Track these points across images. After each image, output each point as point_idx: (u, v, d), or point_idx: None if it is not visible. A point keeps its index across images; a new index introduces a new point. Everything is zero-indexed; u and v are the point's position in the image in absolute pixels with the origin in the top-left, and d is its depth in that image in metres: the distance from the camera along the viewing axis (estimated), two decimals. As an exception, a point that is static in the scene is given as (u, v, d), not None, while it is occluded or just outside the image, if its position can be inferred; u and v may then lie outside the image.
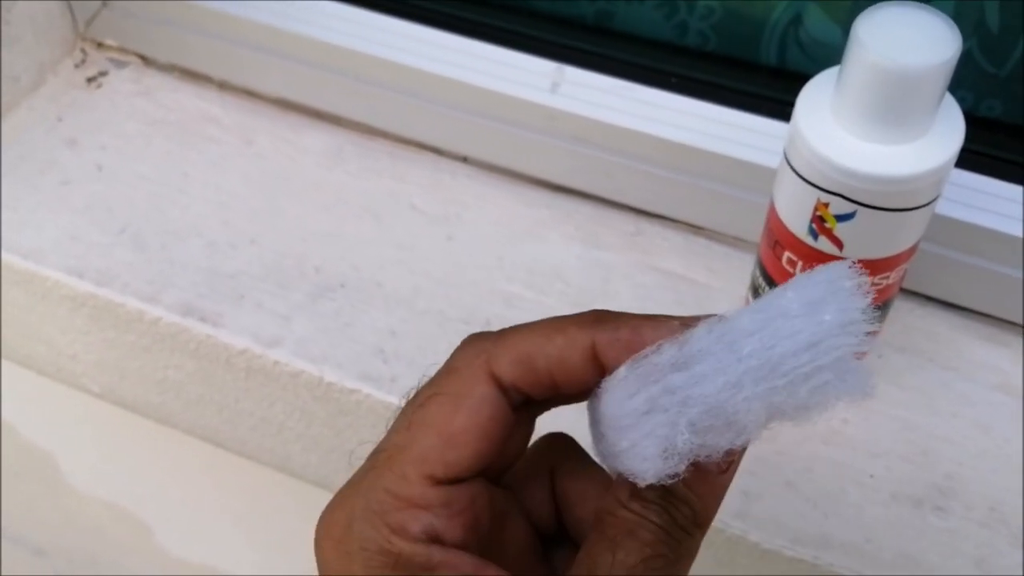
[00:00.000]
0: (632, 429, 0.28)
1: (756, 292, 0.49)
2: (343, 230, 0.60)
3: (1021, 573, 0.47)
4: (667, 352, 0.29)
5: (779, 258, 0.46)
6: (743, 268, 0.58)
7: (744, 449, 0.29)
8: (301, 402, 0.57)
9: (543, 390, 0.30)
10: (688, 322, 0.29)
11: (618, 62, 0.60)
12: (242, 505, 0.78)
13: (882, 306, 0.47)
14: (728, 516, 0.48)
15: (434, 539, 0.29)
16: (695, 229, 0.59)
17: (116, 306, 0.58)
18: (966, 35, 0.52)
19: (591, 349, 0.29)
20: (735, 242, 0.59)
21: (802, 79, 0.58)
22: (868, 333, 0.28)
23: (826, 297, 0.28)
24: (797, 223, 0.44)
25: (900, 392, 0.52)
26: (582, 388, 0.30)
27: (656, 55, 0.60)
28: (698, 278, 0.58)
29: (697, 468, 0.28)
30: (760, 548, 0.47)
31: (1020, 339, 0.54)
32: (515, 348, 0.30)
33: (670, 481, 0.28)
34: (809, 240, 0.44)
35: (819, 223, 0.43)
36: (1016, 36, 0.51)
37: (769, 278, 0.47)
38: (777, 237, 0.45)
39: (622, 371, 0.29)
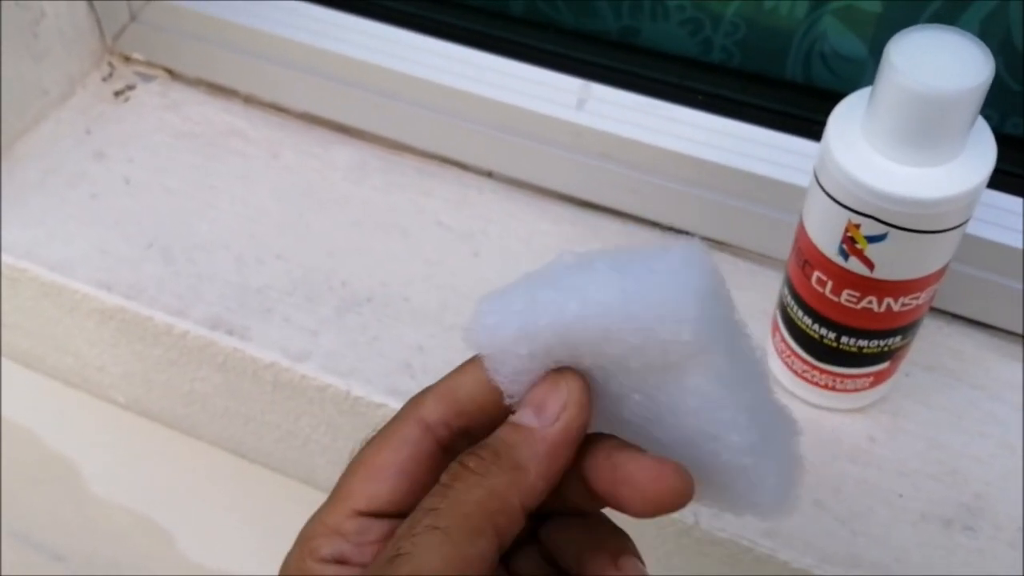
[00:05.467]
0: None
1: (784, 311, 0.50)
2: (370, 245, 0.60)
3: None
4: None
5: (808, 277, 0.46)
6: (767, 284, 0.58)
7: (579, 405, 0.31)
8: (327, 416, 0.57)
9: (471, 420, 0.32)
10: None
11: (644, 79, 0.60)
12: (264, 515, 0.78)
13: (912, 326, 0.47)
14: (757, 535, 0.48)
15: (341, 562, 0.31)
16: (720, 245, 0.59)
17: (144, 319, 0.58)
18: (991, 54, 0.52)
19: None
20: (760, 259, 0.59)
21: (827, 96, 0.58)
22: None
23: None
24: (827, 243, 0.44)
25: (928, 411, 0.52)
26: (504, 413, 0.32)
27: (682, 72, 0.60)
28: (723, 294, 0.58)
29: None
30: (790, 567, 0.47)
31: (1047, 358, 0.54)
32: (439, 387, 0.33)
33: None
34: (839, 260, 0.44)
35: (850, 244, 0.43)
36: (1045, 55, 0.51)
37: (798, 296, 0.48)
38: (807, 257, 0.46)
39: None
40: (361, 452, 0.33)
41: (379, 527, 0.31)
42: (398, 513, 0.31)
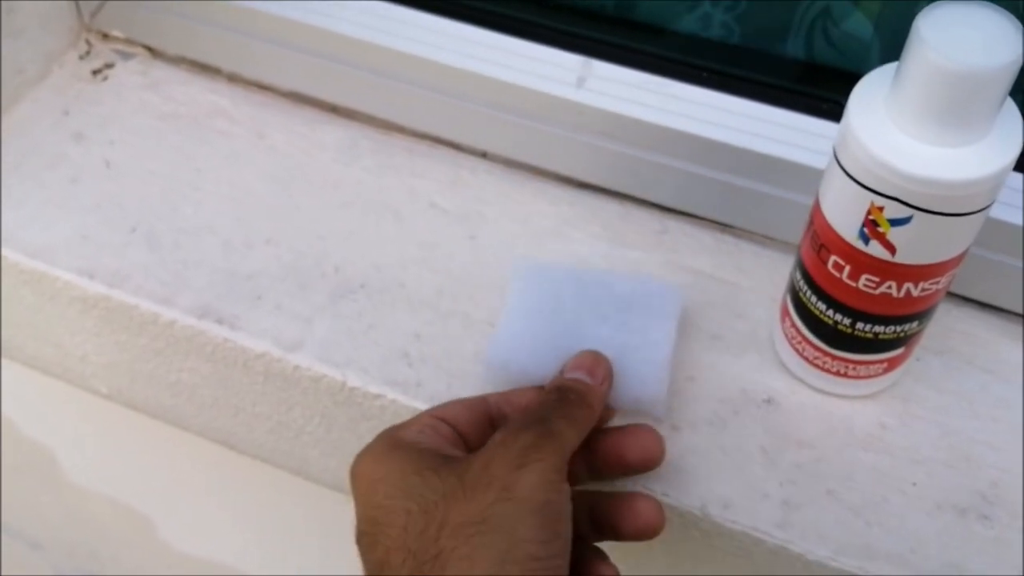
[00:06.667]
0: None
1: (795, 296, 0.48)
2: (362, 228, 0.58)
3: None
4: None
5: (824, 262, 0.44)
6: (773, 267, 0.56)
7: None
8: (322, 407, 0.55)
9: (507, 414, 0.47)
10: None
11: (646, 55, 0.58)
12: (253, 505, 0.76)
13: (929, 311, 0.46)
14: (769, 526, 0.47)
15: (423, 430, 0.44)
16: (723, 227, 0.58)
17: (129, 308, 0.56)
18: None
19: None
20: (764, 240, 0.57)
21: (832, 73, 0.56)
22: None
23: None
24: (847, 227, 0.42)
25: (939, 396, 0.51)
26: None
27: (684, 48, 0.58)
28: (727, 277, 0.56)
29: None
30: (803, 559, 0.46)
31: (1060, 341, 0.53)
32: (505, 393, 0.48)
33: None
34: (859, 244, 0.42)
35: (871, 227, 0.41)
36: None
37: (812, 282, 0.46)
38: (823, 240, 0.44)
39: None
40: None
41: (446, 428, 0.44)
42: (454, 424, 0.44)
